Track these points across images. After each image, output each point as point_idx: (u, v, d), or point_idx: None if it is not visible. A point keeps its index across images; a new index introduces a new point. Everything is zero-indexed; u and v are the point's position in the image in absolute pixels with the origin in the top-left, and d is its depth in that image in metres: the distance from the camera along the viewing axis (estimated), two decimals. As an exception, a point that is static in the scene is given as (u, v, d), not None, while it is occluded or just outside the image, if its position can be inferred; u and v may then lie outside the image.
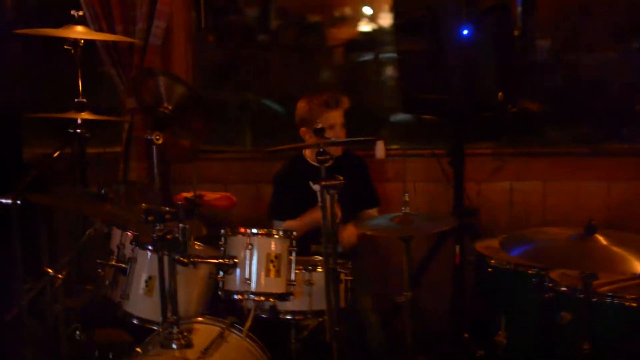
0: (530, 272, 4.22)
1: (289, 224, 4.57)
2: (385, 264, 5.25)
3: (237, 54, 5.98)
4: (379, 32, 5.83)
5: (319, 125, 3.84)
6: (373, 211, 4.81)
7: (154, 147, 3.77)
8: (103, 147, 5.17)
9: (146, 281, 4.17)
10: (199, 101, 3.86)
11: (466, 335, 4.60)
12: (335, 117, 4.58)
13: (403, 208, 4.07)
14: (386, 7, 5.71)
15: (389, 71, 5.65)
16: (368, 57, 6.00)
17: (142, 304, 4.15)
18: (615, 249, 3.40)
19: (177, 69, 5.33)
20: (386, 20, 5.76)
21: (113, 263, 4.25)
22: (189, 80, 5.39)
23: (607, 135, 5.49)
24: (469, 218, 4.86)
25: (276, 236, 3.96)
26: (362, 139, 4.75)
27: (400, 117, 5.64)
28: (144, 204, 4.47)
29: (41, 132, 5.63)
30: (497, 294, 4.37)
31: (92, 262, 4.31)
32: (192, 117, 3.89)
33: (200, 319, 4.03)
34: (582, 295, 3.70)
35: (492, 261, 4.37)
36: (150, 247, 4.18)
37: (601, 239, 3.46)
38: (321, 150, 3.79)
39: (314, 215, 4.48)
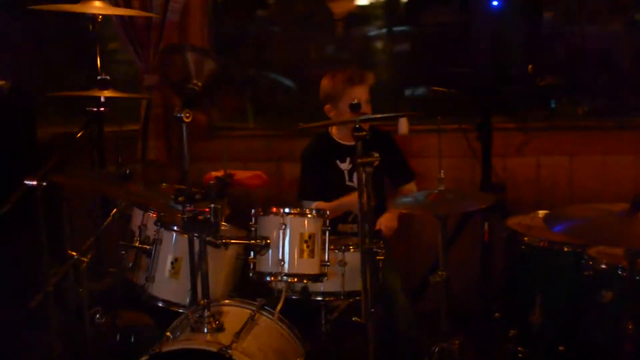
0: (566, 249, 4.12)
1: (321, 205, 4.44)
2: (412, 242, 5.15)
3: (248, 29, 5.83)
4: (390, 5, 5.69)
5: (355, 101, 3.70)
6: (411, 185, 4.70)
7: (183, 125, 3.66)
8: (119, 126, 5.03)
9: (172, 263, 4.09)
10: (229, 77, 3.73)
11: (497, 314, 4.49)
12: (361, 92, 4.46)
13: (438, 185, 3.94)
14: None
15: (402, 45, 5.51)
16: (378, 31, 5.87)
17: (168, 286, 4.07)
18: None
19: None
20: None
21: (137, 245, 4.14)
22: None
23: (634, 108, 5.37)
24: (497, 194, 4.74)
25: (309, 216, 3.85)
26: (398, 114, 4.63)
27: (416, 91, 5.52)
28: (164, 184, 4.47)
29: (49, 111, 5.49)
30: (530, 273, 4.26)
31: (113, 244, 4.20)
32: (223, 93, 3.76)
33: (229, 301, 3.93)
34: (624, 274, 3.62)
35: (526, 238, 4.26)
36: (175, 228, 4.08)
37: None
38: (357, 126, 3.65)
39: (348, 200, 4.38)
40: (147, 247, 4.13)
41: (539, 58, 4.56)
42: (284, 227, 3.79)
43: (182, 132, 3.65)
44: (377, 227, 4.44)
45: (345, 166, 4.57)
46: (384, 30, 5.77)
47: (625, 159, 5.14)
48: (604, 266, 3.88)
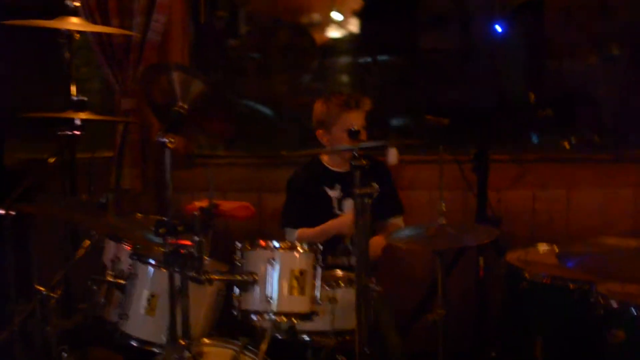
0: (572, 286, 3.87)
1: (304, 232, 4.19)
2: (401, 275, 4.90)
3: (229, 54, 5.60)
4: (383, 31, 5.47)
5: (355, 127, 3.47)
6: (398, 220, 4.45)
7: (166, 151, 3.40)
8: (92, 152, 4.73)
9: (148, 299, 3.80)
10: (219, 99, 3.46)
11: (494, 354, 4.24)
12: (357, 118, 4.22)
13: (439, 218, 3.70)
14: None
15: (396, 72, 5.28)
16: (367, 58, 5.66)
17: (143, 324, 3.78)
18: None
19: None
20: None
21: (109, 279, 3.85)
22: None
23: (632, 141, 5.20)
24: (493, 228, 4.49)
25: (301, 250, 3.58)
26: (384, 143, 4.37)
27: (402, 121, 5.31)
28: (139, 214, 4.19)
29: (19, 134, 5.18)
30: (531, 311, 4.00)
31: (83, 278, 3.92)
32: (212, 117, 3.49)
33: (210, 341, 3.70)
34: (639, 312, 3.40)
35: (527, 274, 4.00)
36: (152, 262, 3.80)
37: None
38: (355, 154, 3.41)
39: (334, 224, 4.19)
40: (121, 281, 3.84)
41: (539, 88, 4.32)
42: (273, 262, 3.52)
43: (164, 158, 3.39)
44: None
45: (334, 193, 4.33)
46: (373, 58, 5.56)
47: (624, 193, 4.90)
48: (615, 304, 3.62)
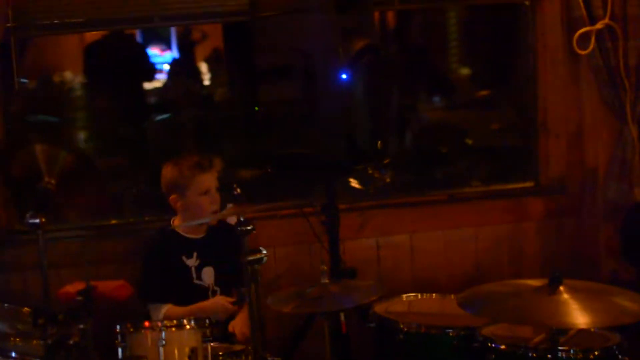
0: (451, 333, 3.85)
1: (172, 311, 3.91)
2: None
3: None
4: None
5: (234, 187, 3.29)
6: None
7: (39, 233, 3.06)
8: None
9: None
10: (90, 169, 3.16)
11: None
12: (210, 180, 4.04)
13: (321, 277, 3.57)
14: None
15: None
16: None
17: None
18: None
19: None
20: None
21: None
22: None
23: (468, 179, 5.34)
24: (349, 280, 4.40)
25: (188, 326, 3.33)
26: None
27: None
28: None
29: None
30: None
31: None
32: (82, 189, 3.19)
33: None
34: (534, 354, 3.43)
35: (402, 326, 3.93)
36: (13, 355, 3.41)
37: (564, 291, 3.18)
38: (242, 219, 3.21)
39: (206, 308, 3.98)
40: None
41: (384, 133, 4.30)
42: (163, 343, 3.23)
43: (39, 242, 3.04)
44: (231, 329, 4.00)
45: (192, 262, 4.09)
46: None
47: (465, 233, 5.00)
48: (503, 347, 3.63)
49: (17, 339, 3.65)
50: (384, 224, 4.93)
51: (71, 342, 3.03)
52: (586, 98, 4.99)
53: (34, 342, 3.60)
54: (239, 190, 3.31)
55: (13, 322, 3.67)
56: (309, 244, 4.72)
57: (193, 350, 3.29)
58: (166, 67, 6.92)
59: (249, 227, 3.25)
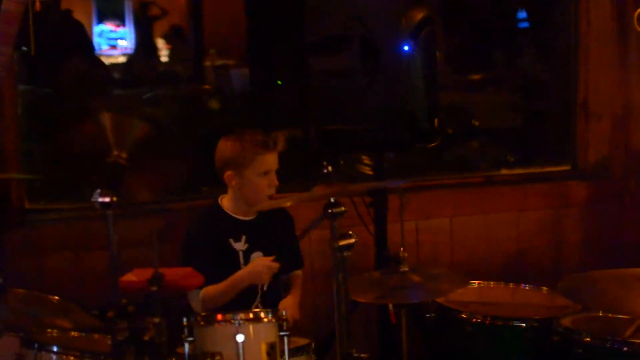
0: (523, 325, 3.60)
1: (208, 291, 3.54)
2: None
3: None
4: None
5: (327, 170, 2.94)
6: (299, 272, 3.93)
7: (109, 214, 2.70)
8: None
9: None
10: (165, 141, 2.81)
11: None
12: (273, 161, 3.69)
13: (401, 265, 3.27)
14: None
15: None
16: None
17: None
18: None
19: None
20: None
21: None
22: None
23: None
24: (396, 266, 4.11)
25: (265, 319, 3.00)
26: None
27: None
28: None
29: None
30: (481, 355, 3.67)
31: None
32: (155, 164, 2.83)
33: None
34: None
35: (467, 316, 3.66)
36: (55, 349, 3.06)
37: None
38: (333, 201, 2.89)
39: (243, 276, 3.61)
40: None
41: (439, 110, 4.01)
42: (240, 338, 2.89)
43: (108, 222, 2.68)
44: (281, 309, 3.63)
45: (240, 246, 3.74)
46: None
47: (507, 216, 4.76)
48: (588, 339, 3.37)
49: (54, 332, 3.32)
50: (424, 207, 4.64)
51: (146, 337, 2.67)
52: (635, 79, 4.75)
53: (95, 336, 3.28)
54: (330, 168, 2.97)
55: (43, 312, 3.33)
56: (348, 227, 4.41)
57: (272, 346, 2.96)
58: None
59: (340, 209, 2.90)
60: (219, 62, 5.60)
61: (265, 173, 3.65)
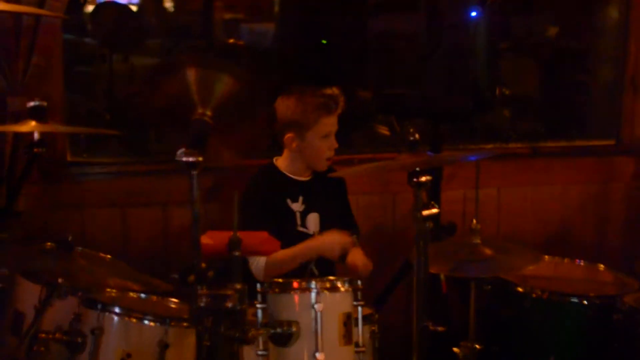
0: (584, 302, 3.53)
1: (275, 256, 3.43)
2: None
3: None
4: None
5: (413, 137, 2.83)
6: (355, 239, 3.82)
7: (194, 174, 2.58)
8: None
9: (123, 360, 2.99)
10: (256, 97, 2.68)
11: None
12: (333, 123, 3.58)
13: (472, 237, 3.18)
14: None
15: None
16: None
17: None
18: None
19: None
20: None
21: (58, 336, 2.94)
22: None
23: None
24: (449, 236, 4.04)
25: (342, 289, 2.90)
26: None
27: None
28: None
29: None
30: (541, 330, 3.59)
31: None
32: (242, 124, 2.72)
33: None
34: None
35: (525, 290, 3.59)
36: (118, 310, 2.97)
37: None
38: (418, 170, 2.78)
39: (311, 246, 3.54)
40: (68, 338, 2.94)
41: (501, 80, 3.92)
42: (317, 306, 2.80)
43: (191, 184, 2.56)
44: (351, 263, 3.54)
45: (297, 207, 3.64)
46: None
47: (553, 189, 4.69)
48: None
49: (113, 292, 3.22)
50: (472, 176, 4.53)
51: (228, 304, 2.57)
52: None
53: (154, 298, 3.20)
54: (417, 135, 2.86)
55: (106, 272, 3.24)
56: (393, 194, 4.34)
57: (349, 316, 2.86)
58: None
59: (426, 179, 2.79)
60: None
61: (327, 135, 3.55)
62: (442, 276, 3.96)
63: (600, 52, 5.21)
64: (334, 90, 3.56)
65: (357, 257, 3.54)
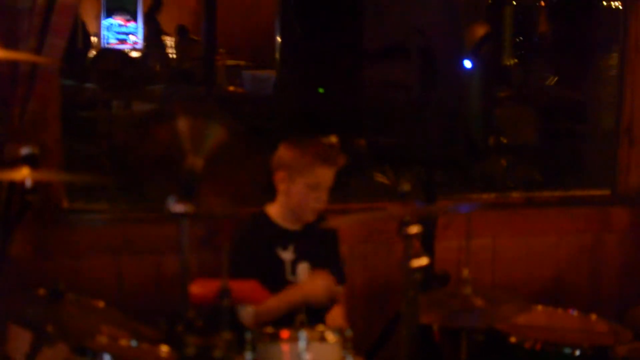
0: (575, 352, 3.51)
1: (264, 305, 3.41)
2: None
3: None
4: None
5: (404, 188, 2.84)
6: (341, 289, 3.82)
7: (184, 223, 2.59)
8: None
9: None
10: (246, 147, 2.71)
11: None
12: (327, 176, 3.58)
13: (462, 287, 3.18)
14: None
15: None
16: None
17: None
18: None
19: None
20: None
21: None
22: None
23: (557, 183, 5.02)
24: (442, 286, 4.04)
25: (332, 340, 2.89)
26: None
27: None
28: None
29: None
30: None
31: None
32: (234, 173, 2.74)
33: None
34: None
35: (520, 341, 3.57)
36: (108, 359, 2.96)
37: None
38: (406, 220, 2.79)
39: (299, 293, 3.49)
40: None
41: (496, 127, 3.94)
42: (307, 357, 2.80)
43: (180, 233, 2.58)
44: (330, 322, 3.59)
45: (287, 256, 3.64)
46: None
47: (547, 240, 4.69)
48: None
49: (103, 339, 3.20)
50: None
51: (217, 354, 2.57)
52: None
53: (144, 346, 3.18)
54: (407, 186, 2.87)
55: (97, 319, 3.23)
56: (389, 244, 4.34)
57: (336, 367, 2.86)
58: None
59: (416, 230, 2.80)
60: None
61: (315, 187, 3.56)
62: (435, 326, 3.95)
63: (597, 102, 5.24)
64: (335, 144, 3.59)
65: (335, 318, 3.60)
